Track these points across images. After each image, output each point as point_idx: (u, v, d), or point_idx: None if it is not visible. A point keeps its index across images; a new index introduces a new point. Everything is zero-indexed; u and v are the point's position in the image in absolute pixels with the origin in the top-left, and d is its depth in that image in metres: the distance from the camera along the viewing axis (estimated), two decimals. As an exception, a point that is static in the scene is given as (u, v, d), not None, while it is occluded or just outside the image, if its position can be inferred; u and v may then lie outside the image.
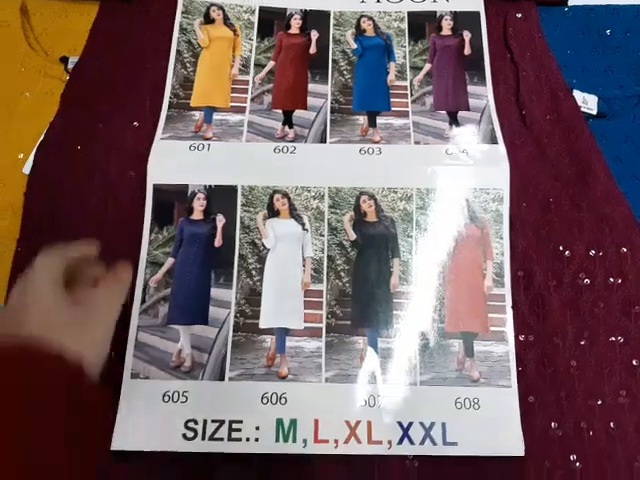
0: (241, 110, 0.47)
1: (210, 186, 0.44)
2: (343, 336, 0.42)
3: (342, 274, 0.43)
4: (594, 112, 0.49)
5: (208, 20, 0.51)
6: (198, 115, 0.47)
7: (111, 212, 0.44)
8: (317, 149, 0.46)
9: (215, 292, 0.42)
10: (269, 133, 0.46)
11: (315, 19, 0.51)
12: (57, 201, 0.45)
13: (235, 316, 0.42)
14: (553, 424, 0.40)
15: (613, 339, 0.42)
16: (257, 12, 0.51)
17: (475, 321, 0.42)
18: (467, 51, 0.50)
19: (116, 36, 0.50)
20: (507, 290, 0.43)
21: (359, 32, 0.51)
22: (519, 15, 0.50)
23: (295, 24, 0.51)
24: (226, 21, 0.51)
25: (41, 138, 0.46)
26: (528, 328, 0.42)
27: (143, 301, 0.42)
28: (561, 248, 0.44)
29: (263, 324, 0.42)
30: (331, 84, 0.49)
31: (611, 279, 0.43)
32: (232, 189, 0.44)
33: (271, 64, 0.50)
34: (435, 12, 0.51)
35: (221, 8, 0.51)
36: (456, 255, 0.43)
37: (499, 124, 0.47)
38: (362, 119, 0.47)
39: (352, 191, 0.44)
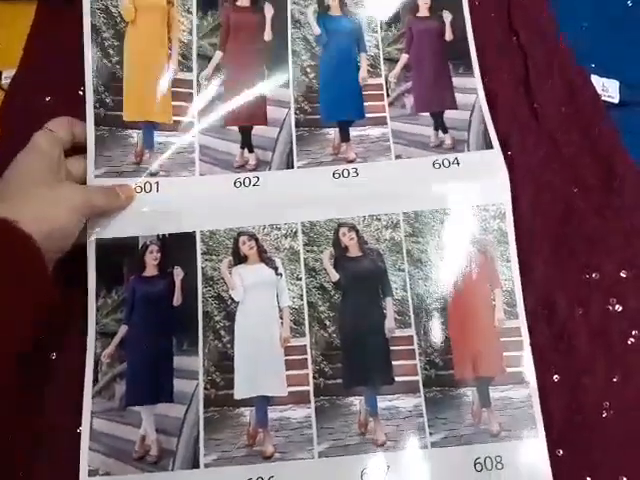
0: (188, 127, 0.39)
1: (164, 235, 0.37)
2: (335, 398, 0.35)
3: (327, 323, 0.36)
4: (616, 100, 0.42)
5: None
6: (135, 136, 0.38)
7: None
8: (284, 177, 0.39)
9: (179, 361, 0.36)
10: (226, 161, 0.39)
11: None
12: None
13: (205, 388, 0.35)
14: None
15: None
16: None
17: (489, 363, 0.36)
18: (448, 36, 0.42)
19: (56, 43, 0.42)
20: (522, 322, 0.36)
21: (322, 8, 0.42)
22: None
23: None
24: None
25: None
26: (552, 366, 0.36)
27: (95, 381, 0.35)
28: (587, 270, 0.37)
29: (239, 394, 0.35)
30: (293, 87, 0.41)
31: None
32: (189, 236, 0.37)
33: (218, 55, 0.40)
34: None
35: None
36: (458, 286, 0.37)
37: (490, 122, 0.40)
38: (332, 132, 0.40)
39: (329, 224, 0.38)
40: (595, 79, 0.42)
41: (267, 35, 0.41)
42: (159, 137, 0.39)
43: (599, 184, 0.39)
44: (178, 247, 0.37)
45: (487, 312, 0.37)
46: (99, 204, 0.35)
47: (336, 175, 0.39)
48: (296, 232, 0.38)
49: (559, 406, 0.35)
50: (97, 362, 0.36)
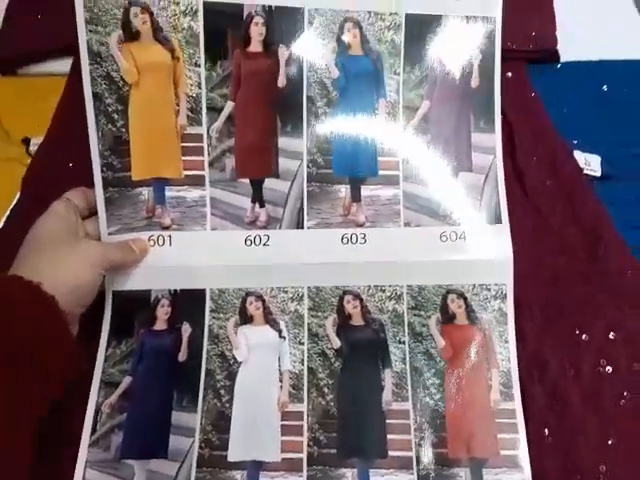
0: (199, 181, 0.39)
1: (175, 291, 0.39)
2: (328, 469, 0.35)
3: (325, 390, 0.37)
4: (598, 174, 0.44)
5: (130, 34, 0.37)
6: (146, 192, 0.38)
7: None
8: (294, 238, 0.40)
9: (177, 417, 0.36)
10: (237, 216, 0.40)
11: (283, 23, 0.39)
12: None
13: (200, 447, 0.35)
14: None
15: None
16: (201, 13, 0.38)
17: (483, 444, 0.36)
18: (475, 82, 0.41)
19: (81, 114, 0.45)
20: (518, 404, 0.37)
21: (341, 47, 0.40)
22: (509, 74, 0.46)
23: (257, 34, 0.39)
24: (158, 34, 0.37)
25: (0, 224, 0.43)
26: (545, 427, 0.36)
27: (94, 430, 0.36)
28: (577, 331, 0.38)
29: (232, 456, 0.35)
30: (307, 137, 0.39)
31: (636, 365, 0.37)
32: (200, 293, 0.39)
33: (229, 106, 0.39)
34: (440, 16, 0.40)
35: (147, 10, 0.37)
36: (456, 364, 0.38)
37: (504, 192, 0.40)
38: (344, 190, 0.40)
39: (334, 290, 0.39)
40: (577, 154, 0.44)
41: (281, 81, 0.39)
42: (170, 192, 0.39)
43: (585, 252, 0.41)
44: (188, 303, 0.39)
45: (483, 392, 0.37)
46: (115, 258, 0.37)
47: (345, 240, 0.40)
48: (302, 296, 0.39)
49: (554, 466, 0.35)
50: (98, 411, 0.36)
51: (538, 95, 0.46)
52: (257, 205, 0.40)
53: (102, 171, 0.38)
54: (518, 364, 0.37)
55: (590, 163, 0.44)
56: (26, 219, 0.39)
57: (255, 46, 0.39)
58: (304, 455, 0.35)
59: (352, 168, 0.41)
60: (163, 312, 0.39)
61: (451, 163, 0.41)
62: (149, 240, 0.39)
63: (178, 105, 0.39)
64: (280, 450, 0.35)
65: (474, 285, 0.39)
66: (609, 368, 0.37)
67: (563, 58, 0.49)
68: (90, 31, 0.37)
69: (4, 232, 0.42)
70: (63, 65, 0.48)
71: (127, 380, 0.37)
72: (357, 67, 0.40)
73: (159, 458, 0.35)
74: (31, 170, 0.44)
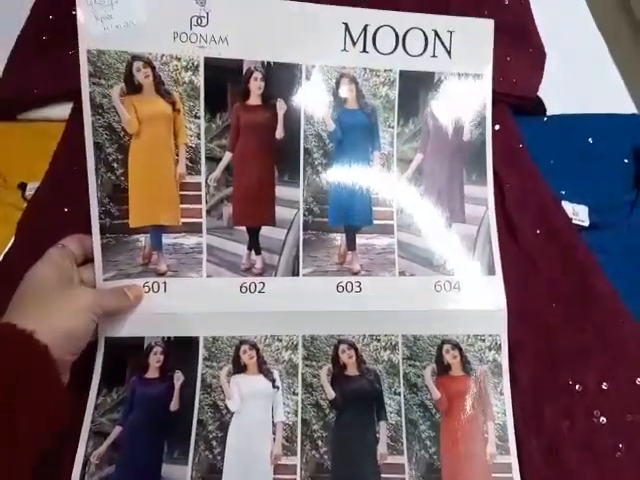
0: (196, 228, 0.39)
1: (169, 338, 0.39)
2: (321, 524, 0.34)
3: (319, 443, 0.37)
4: (586, 224, 0.45)
5: (132, 87, 0.38)
6: (143, 239, 0.39)
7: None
8: (289, 286, 0.40)
9: (167, 469, 0.35)
10: (233, 263, 0.40)
11: (281, 78, 0.40)
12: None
13: (190, 502, 0.35)
14: None
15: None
16: (202, 68, 0.39)
17: (479, 499, 0.36)
18: (467, 135, 0.42)
19: (78, 160, 0.43)
20: (513, 458, 0.36)
21: (337, 101, 0.41)
22: (497, 126, 0.47)
23: (256, 88, 0.39)
24: (159, 87, 0.38)
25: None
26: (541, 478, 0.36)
27: (82, 482, 0.35)
28: (570, 382, 0.38)
29: (223, 510, 0.35)
30: (303, 186, 0.40)
31: (629, 416, 0.37)
32: (193, 341, 0.39)
33: (228, 156, 0.40)
34: (433, 73, 0.41)
35: (149, 64, 0.38)
36: (452, 416, 0.37)
37: (496, 243, 0.41)
38: (339, 238, 0.41)
39: (329, 339, 0.39)
40: (566, 205, 0.45)
41: (279, 133, 0.40)
42: (167, 239, 0.39)
43: (577, 301, 0.41)
44: (181, 351, 0.38)
45: (479, 445, 0.37)
46: (109, 305, 0.37)
47: (340, 288, 0.40)
48: (297, 345, 0.39)
49: None
50: (86, 462, 0.35)
51: (526, 147, 0.47)
52: (253, 252, 0.40)
53: (100, 218, 0.38)
54: (514, 414, 0.37)
55: (578, 213, 0.45)
56: (20, 264, 0.39)
57: (254, 99, 0.40)
58: (297, 511, 0.35)
59: (348, 217, 0.41)
60: (155, 360, 0.38)
61: (444, 214, 0.42)
62: (144, 286, 0.39)
63: (177, 155, 0.39)
64: (273, 505, 0.35)
65: (469, 335, 0.39)
66: (603, 419, 0.37)
67: (550, 111, 0.51)
68: (93, 83, 0.38)
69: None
70: (62, 111, 0.49)
71: (117, 430, 0.36)
72: (353, 120, 0.41)
73: (147, 514, 0.34)
74: (26, 215, 0.44)
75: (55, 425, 0.32)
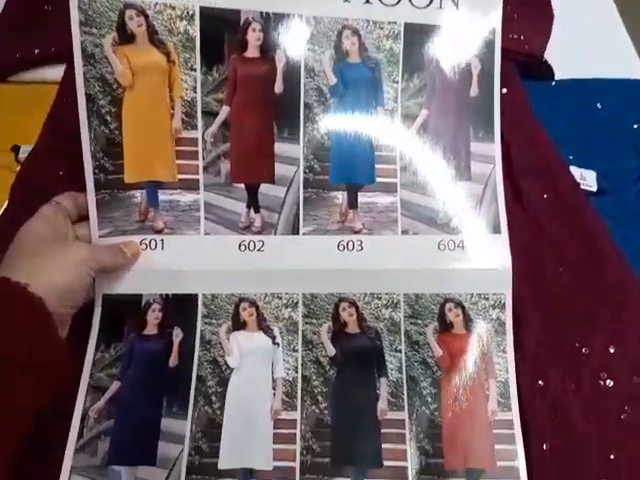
0: (193, 185, 0.38)
1: (167, 295, 0.38)
2: (321, 478, 0.34)
3: (319, 398, 0.36)
4: (594, 189, 0.44)
5: (125, 37, 0.36)
6: (139, 195, 0.38)
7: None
8: (289, 244, 0.39)
9: (166, 423, 0.35)
10: (231, 220, 0.39)
11: (281, 30, 0.38)
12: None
13: (189, 454, 0.34)
14: None
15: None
16: (198, 18, 0.37)
17: (480, 455, 0.35)
18: (474, 91, 0.40)
19: (72, 122, 0.43)
20: (515, 414, 0.36)
21: (340, 55, 0.39)
22: (505, 90, 0.45)
23: (254, 40, 0.38)
24: (153, 37, 0.37)
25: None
26: (546, 441, 0.35)
27: (80, 436, 0.35)
28: (577, 345, 0.38)
29: (223, 464, 0.34)
30: (303, 143, 0.39)
31: (636, 378, 0.37)
32: (192, 298, 0.38)
33: (225, 110, 0.38)
34: (439, 26, 0.40)
35: (143, 13, 0.36)
36: (453, 373, 0.37)
37: (503, 203, 0.40)
38: (341, 196, 0.39)
39: (330, 297, 0.39)
40: (574, 170, 0.44)
41: (278, 87, 0.39)
42: (163, 195, 0.38)
43: (584, 265, 0.40)
44: (180, 308, 0.38)
45: (481, 402, 0.36)
46: (104, 260, 0.36)
47: (341, 247, 0.39)
48: (297, 303, 0.38)
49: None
50: (84, 417, 0.35)
51: (534, 111, 0.46)
52: (252, 210, 0.39)
53: (94, 173, 0.37)
54: (519, 377, 0.37)
55: (586, 178, 0.44)
56: (14, 226, 0.38)
57: (252, 52, 0.39)
58: (297, 464, 0.34)
59: (349, 175, 0.40)
60: (154, 317, 0.38)
61: (450, 171, 0.40)
62: (141, 244, 0.38)
63: (173, 109, 0.38)
64: (272, 458, 0.35)
65: (472, 294, 0.39)
66: (610, 382, 0.37)
67: (558, 76, 0.50)
68: (84, 32, 0.36)
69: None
70: (54, 72, 0.48)
71: (115, 385, 0.36)
72: (355, 74, 0.40)
73: (147, 465, 0.34)
74: (20, 177, 0.44)
75: (52, 380, 0.31)
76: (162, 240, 0.38)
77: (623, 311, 0.39)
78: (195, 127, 0.38)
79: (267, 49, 0.39)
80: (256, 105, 0.40)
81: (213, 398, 0.36)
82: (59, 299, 0.32)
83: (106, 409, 0.36)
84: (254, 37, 0.38)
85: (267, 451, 0.35)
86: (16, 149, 0.46)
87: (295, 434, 0.35)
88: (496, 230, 0.40)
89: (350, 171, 0.40)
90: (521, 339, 0.38)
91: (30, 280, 0.31)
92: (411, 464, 0.35)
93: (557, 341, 0.38)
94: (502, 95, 0.43)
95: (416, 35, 0.40)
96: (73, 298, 0.34)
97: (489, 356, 0.37)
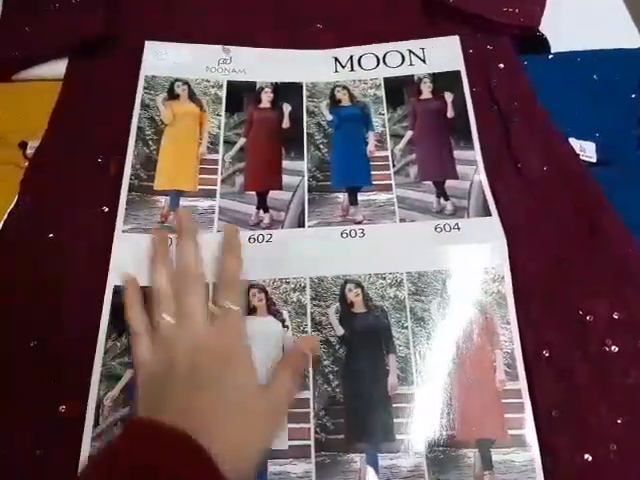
0: (211, 194, 0.44)
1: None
2: (336, 455, 0.35)
3: (331, 377, 0.37)
4: (594, 160, 0.45)
5: (172, 96, 0.48)
6: (163, 201, 0.43)
7: (70, 314, 0.38)
8: (295, 235, 0.42)
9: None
10: (243, 220, 0.43)
11: (287, 92, 0.49)
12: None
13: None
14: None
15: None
16: (225, 86, 0.49)
17: (490, 425, 0.36)
18: (450, 114, 0.47)
19: (78, 118, 0.47)
20: (522, 384, 0.37)
21: (334, 103, 0.48)
22: (501, 65, 0.48)
23: (266, 98, 0.48)
24: (192, 96, 0.48)
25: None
26: (554, 408, 0.36)
27: (96, 424, 0.35)
28: (581, 313, 0.39)
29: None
30: (307, 160, 0.45)
31: None
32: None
33: (242, 141, 0.46)
34: (413, 76, 0.49)
35: (186, 83, 0.49)
36: (460, 346, 0.38)
37: (489, 187, 0.43)
38: (342, 196, 0.44)
39: (336, 280, 0.40)
40: (573, 141, 0.46)
41: (285, 123, 0.47)
42: (184, 202, 0.43)
43: (585, 235, 0.41)
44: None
45: (488, 373, 0.37)
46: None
47: (344, 235, 0.41)
48: (304, 286, 0.40)
49: (564, 446, 0.35)
50: (99, 405, 0.36)
51: (530, 85, 0.48)
52: (261, 211, 0.43)
53: (130, 179, 0.44)
54: (524, 348, 0.38)
55: (585, 149, 0.45)
56: (26, 221, 0.39)
57: (265, 104, 0.49)
58: (312, 442, 0.35)
59: (348, 179, 0.45)
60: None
61: (438, 172, 0.45)
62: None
63: (201, 139, 0.47)
64: (287, 438, 0.35)
65: (472, 270, 0.40)
66: (615, 348, 0.38)
67: (554, 48, 0.51)
68: (145, 92, 0.48)
69: (3, 235, 0.42)
70: (57, 69, 0.50)
71: (128, 374, 0.37)
72: (347, 112, 0.48)
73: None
74: (29, 172, 0.45)
75: None
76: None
77: (626, 278, 0.40)
78: (217, 151, 0.46)
79: (276, 102, 0.49)
80: (267, 136, 0.47)
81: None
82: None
83: (122, 397, 0.36)
84: (266, 96, 0.49)
85: (282, 431, 0.35)
86: (24, 145, 0.47)
87: (309, 413, 0.36)
88: (487, 213, 0.42)
89: (349, 175, 0.45)
90: (526, 310, 0.39)
91: (217, 449, 0.27)
92: (425, 437, 0.35)
93: (561, 310, 0.39)
94: (499, 70, 0.47)
95: (394, 83, 0.49)
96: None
97: (493, 329, 0.38)
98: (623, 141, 0.47)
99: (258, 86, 0.49)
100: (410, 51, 0.50)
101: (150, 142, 0.46)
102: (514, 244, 0.40)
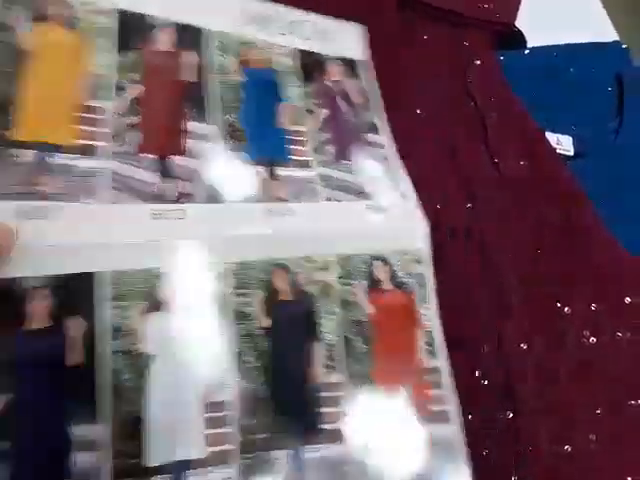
0: (94, 152, 0.34)
1: (58, 276, 0.30)
2: (261, 454, 0.32)
3: (256, 374, 0.34)
4: (571, 153, 0.46)
5: (40, 17, 0.35)
6: (30, 155, 0.32)
7: None
8: (213, 211, 0.35)
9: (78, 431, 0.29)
10: (141, 189, 0.34)
11: (190, 36, 0.40)
12: None
13: (114, 457, 0.29)
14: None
15: (633, 402, 0.38)
16: (116, 16, 0.38)
17: (413, 402, 0.37)
18: (356, 99, 0.44)
19: None
20: (442, 361, 0.38)
21: (244, 62, 0.41)
22: (478, 62, 0.47)
23: (166, 39, 0.39)
24: (70, 22, 0.36)
25: None
26: (534, 401, 0.38)
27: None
28: (559, 305, 0.40)
29: (153, 461, 0.30)
30: (216, 124, 0.38)
31: (618, 334, 0.40)
32: (88, 278, 0.31)
33: (135, 87, 0.37)
34: (322, 56, 0.44)
35: (64, 1, 0.36)
36: (384, 329, 0.37)
37: (407, 178, 0.42)
38: (261, 169, 0.38)
39: (263, 265, 0.35)
40: (549, 135, 0.46)
41: (191, 76, 0.39)
42: (59, 159, 0.33)
43: (562, 228, 0.42)
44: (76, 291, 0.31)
45: (411, 353, 0.38)
46: None
47: (271, 212, 0.36)
48: (222, 274, 0.34)
49: (545, 438, 0.37)
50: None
51: (506, 80, 0.47)
52: (165, 179, 0.35)
53: None
54: (503, 341, 0.38)
55: (562, 143, 0.46)
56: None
57: (165, 46, 0.39)
58: (237, 446, 0.32)
59: (266, 152, 0.39)
60: (41, 307, 0.30)
61: (353, 155, 0.42)
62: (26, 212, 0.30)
63: (81, 79, 0.35)
64: (207, 444, 0.31)
65: (396, 251, 0.39)
66: (593, 339, 0.39)
67: (530, 44, 0.51)
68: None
69: None
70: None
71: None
72: (262, 76, 0.42)
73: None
74: None
75: None
76: (53, 208, 0.31)
77: (603, 270, 0.41)
78: (102, 98, 0.35)
79: (178, 46, 0.39)
80: (167, 86, 0.38)
81: (131, 393, 0.31)
82: None
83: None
84: (167, 37, 0.39)
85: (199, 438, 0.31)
86: None
87: (226, 416, 0.32)
88: (405, 197, 0.41)
89: (267, 147, 0.40)
90: (504, 301, 0.39)
91: None
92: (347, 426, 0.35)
93: (539, 302, 0.40)
94: (475, 66, 0.45)
95: (308, 57, 0.44)
96: None
97: (416, 308, 0.38)
98: (600, 134, 0.48)
99: (157, 24, 0.39)
100: (324, 29, 0.45)
101: (6, 76, 0.33)
102: (490, 236, 0.40)
